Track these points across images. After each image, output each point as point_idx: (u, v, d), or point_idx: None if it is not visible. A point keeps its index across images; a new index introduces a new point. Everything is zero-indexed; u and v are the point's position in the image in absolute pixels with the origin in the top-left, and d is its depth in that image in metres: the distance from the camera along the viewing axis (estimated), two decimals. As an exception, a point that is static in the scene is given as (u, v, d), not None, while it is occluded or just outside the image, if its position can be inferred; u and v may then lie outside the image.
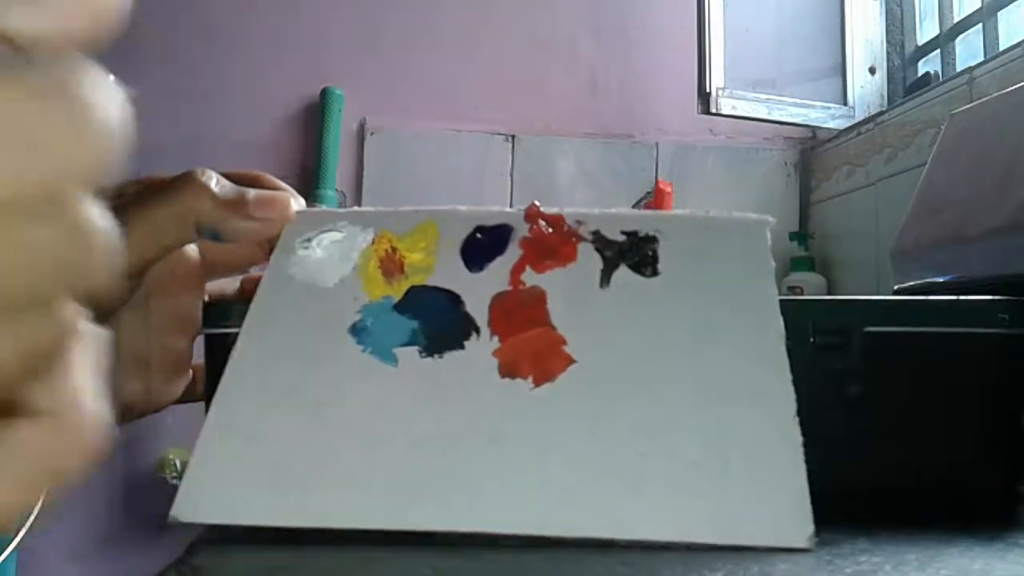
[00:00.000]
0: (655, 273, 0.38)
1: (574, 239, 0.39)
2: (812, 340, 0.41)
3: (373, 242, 0.40)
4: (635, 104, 1.60)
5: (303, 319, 0.38)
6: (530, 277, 0.39)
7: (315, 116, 1.50)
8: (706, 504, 0.31)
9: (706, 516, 0.30)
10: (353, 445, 0.33)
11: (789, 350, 0.37)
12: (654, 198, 1.43)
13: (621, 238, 0.39)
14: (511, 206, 0.40)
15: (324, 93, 1.49)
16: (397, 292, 0.39)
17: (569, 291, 0.38)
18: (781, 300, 0.37)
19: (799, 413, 0.34)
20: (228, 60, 1.52)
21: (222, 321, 0.43)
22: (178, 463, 1.37)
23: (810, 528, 0.29)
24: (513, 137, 1.54)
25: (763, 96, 1.47)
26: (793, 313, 0.41)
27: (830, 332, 0.41)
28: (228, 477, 0.32)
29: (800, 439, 0.32)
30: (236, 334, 0.40)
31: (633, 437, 0.33)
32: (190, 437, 0.34)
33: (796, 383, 0.35)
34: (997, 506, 0.41)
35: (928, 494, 0.40)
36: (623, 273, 0.38)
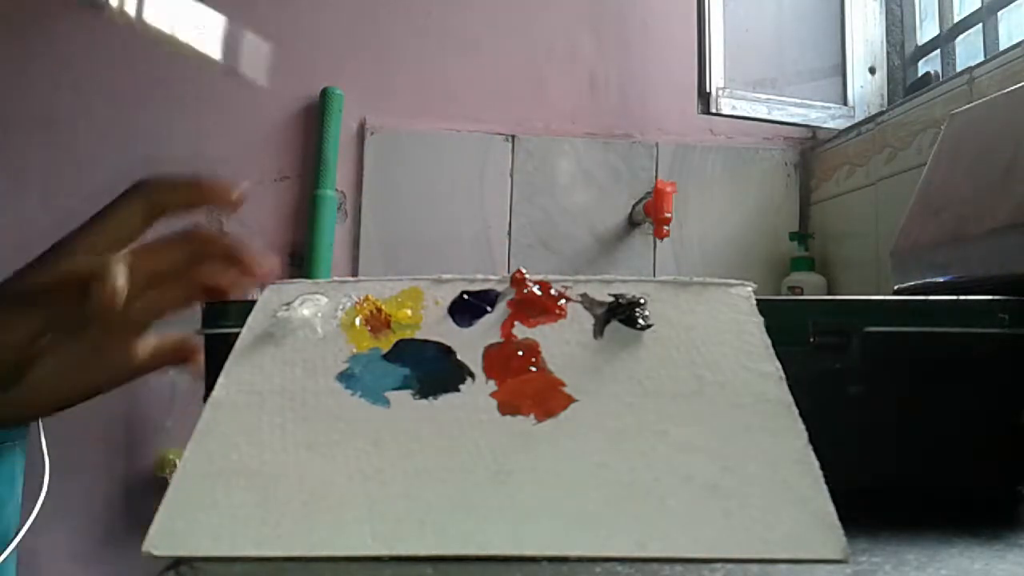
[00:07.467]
0: (648, 326, 0.38)
1: (563, 300, 0.40)
2: (812, 340, 0.40)
3: (357, 304, 0.41)
4: (635, 104, 1.60)
5: (288, 369, 0.37)
6: (521, 331, 0.39)
7: (315, 116, 1.50)
8: (731, 522, 0.30)
9: (733, 533, 0.30)
10: (350, 479, 0.32)
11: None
12: (654, 198, 1.43)
13: (609, 299, 0.39)
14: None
15: (324, 93, 1.49)
16: (385, 344, 0.39)
17: (563, 342, 0.38)
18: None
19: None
20: (229, 60, 1.52)
21: (221, 321, 0.43)
22: (177, 463, 1.37)
23: (843, 540, 0.29)
24: (513, 137, 1.54)
25: (763, 96, 1.46)
26: (793, 313, 0.41)
27: (830, 332, 0.41)
28: (211, 511, 0.31)
29: (816, 463, 0.32)
30: (235, 334, 0.40)
31: (646, 466, 0.32)
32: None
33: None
34: (997, 506, 0.41)
35: (928, 494, 0.40)
36: (616, 326, 0.39)
